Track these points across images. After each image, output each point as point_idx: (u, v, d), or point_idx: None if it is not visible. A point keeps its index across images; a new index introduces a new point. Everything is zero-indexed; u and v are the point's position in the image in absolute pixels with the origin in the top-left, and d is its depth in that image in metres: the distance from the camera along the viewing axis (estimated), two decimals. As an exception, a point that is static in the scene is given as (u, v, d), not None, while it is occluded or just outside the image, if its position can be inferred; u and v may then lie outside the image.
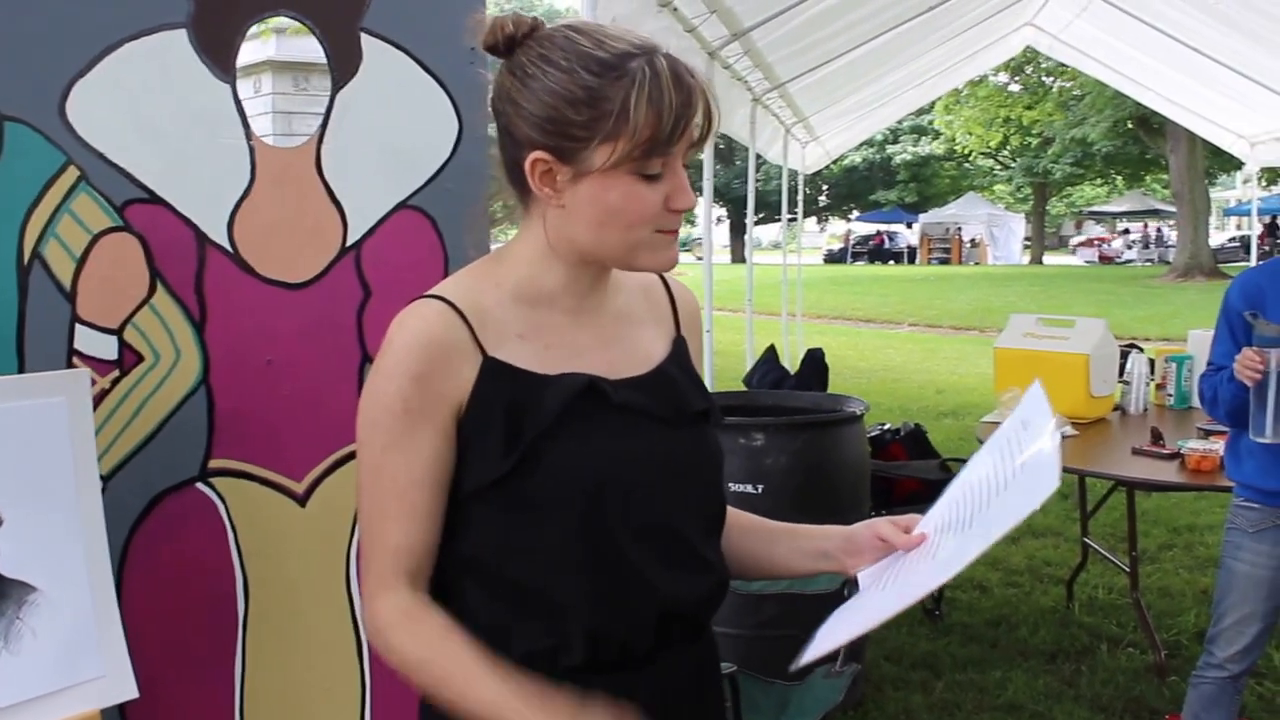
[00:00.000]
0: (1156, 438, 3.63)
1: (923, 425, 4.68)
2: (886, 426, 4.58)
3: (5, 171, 1.54)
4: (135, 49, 1.62)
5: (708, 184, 4.92)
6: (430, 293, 1.19)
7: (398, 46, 1.88)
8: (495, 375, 1.15)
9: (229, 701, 1.80)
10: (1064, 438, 3.85)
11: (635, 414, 1.17)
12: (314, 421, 1.86)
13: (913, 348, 13.47)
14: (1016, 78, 28.44)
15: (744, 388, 5.12)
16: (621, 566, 1.17)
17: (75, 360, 1.61)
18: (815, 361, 5.08)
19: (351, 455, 1.90)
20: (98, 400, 1.63)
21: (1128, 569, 3.94)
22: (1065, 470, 3.89)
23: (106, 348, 1.65)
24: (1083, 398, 3.99)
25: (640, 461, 1.17)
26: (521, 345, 1.18)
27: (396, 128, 1.90)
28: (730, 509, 1.43)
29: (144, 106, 1.64)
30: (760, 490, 3.29)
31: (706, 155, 4.89)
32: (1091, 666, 3.73)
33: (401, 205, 1.93)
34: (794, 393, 4.36)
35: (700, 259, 5.28)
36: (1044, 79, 27.61)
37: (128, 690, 1.39)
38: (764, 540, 1.39)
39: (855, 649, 2.86)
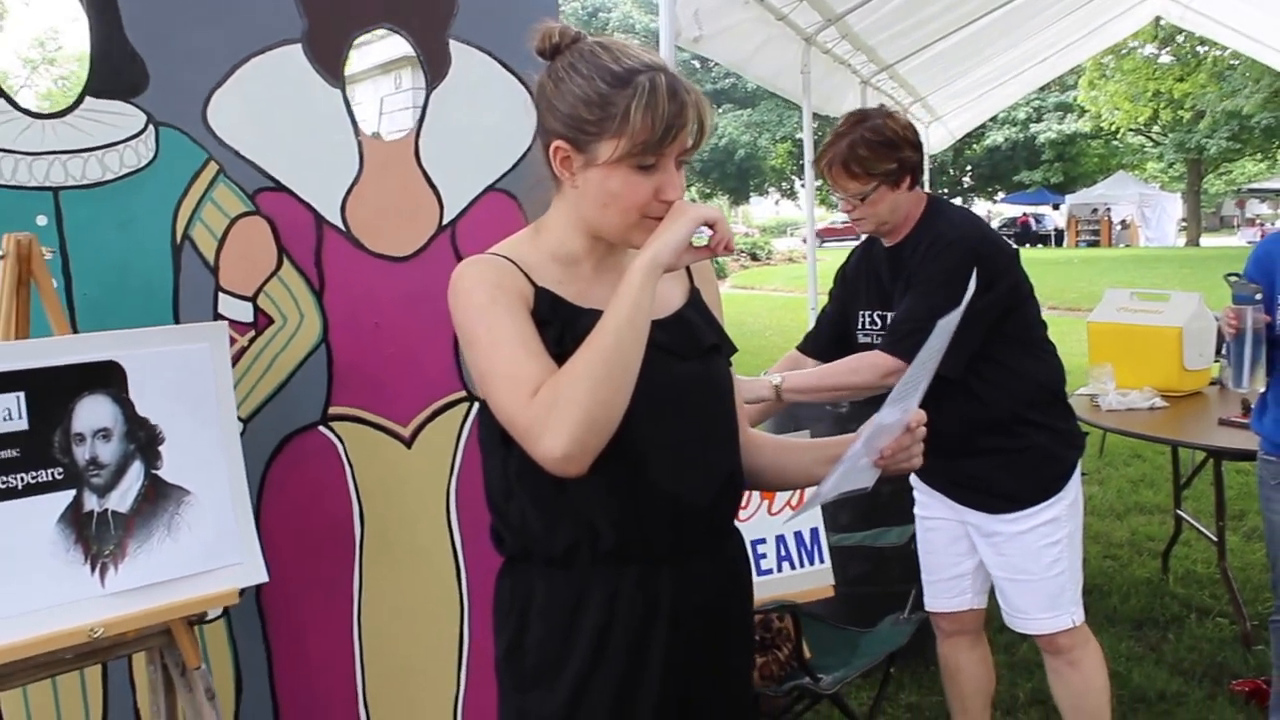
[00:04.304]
0: (1247, 409, 3.65)
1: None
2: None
3: (160, 168, 1.89)
4: (261, 63, 1.95)
5: (809, 165, 5.07)
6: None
7: (482, 50, 2.17)
8: (546, 299, 1.42)
9: (348, 611, 2.12)
10: (1152, 409, 3.90)
11: (655, 349, 1.40)
12: (416, 375, 2.16)
13: (1049, 329, 13.16)
14: (1166, 48, 27.20)
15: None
16: (640, 472, 1.42)
17: (219, 323, 1.95)
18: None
19: (449, 405, 2.20)
20: (237, 356, 1.97)
21: (1215, 539, 3.96)
22: (1156, 440, 3.96)
23: (244, 312, 1.99)
24: (1175, 371, 4.01)
25: (658, 387, 1.41)
26: (560, 288, 1.45)
27: (483, 120, 2.19)
28: (766, 434, 1.66)
29: (269, 110, 1.97)
30: (845, 454, 3.46)
31: (806, 140, 5.04)
32: (1178, 634, 3.77)
33: (490, 188, 2.22)
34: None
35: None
36: (1197, 48, 26.34)
37: (259, 575, 1.72)
38: (796, 455, 1.62)
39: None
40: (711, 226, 1.38)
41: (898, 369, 2.22)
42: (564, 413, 1.27)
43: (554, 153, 1.40)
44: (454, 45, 2.13)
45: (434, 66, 2.13)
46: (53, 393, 1.55)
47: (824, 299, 2.87)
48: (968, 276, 2.29)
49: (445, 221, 2.17)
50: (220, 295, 1.96)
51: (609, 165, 1.36)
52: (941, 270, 2.30)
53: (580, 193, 1.41)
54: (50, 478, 1.55)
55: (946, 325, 1.41)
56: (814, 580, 2.71)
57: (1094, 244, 34.64)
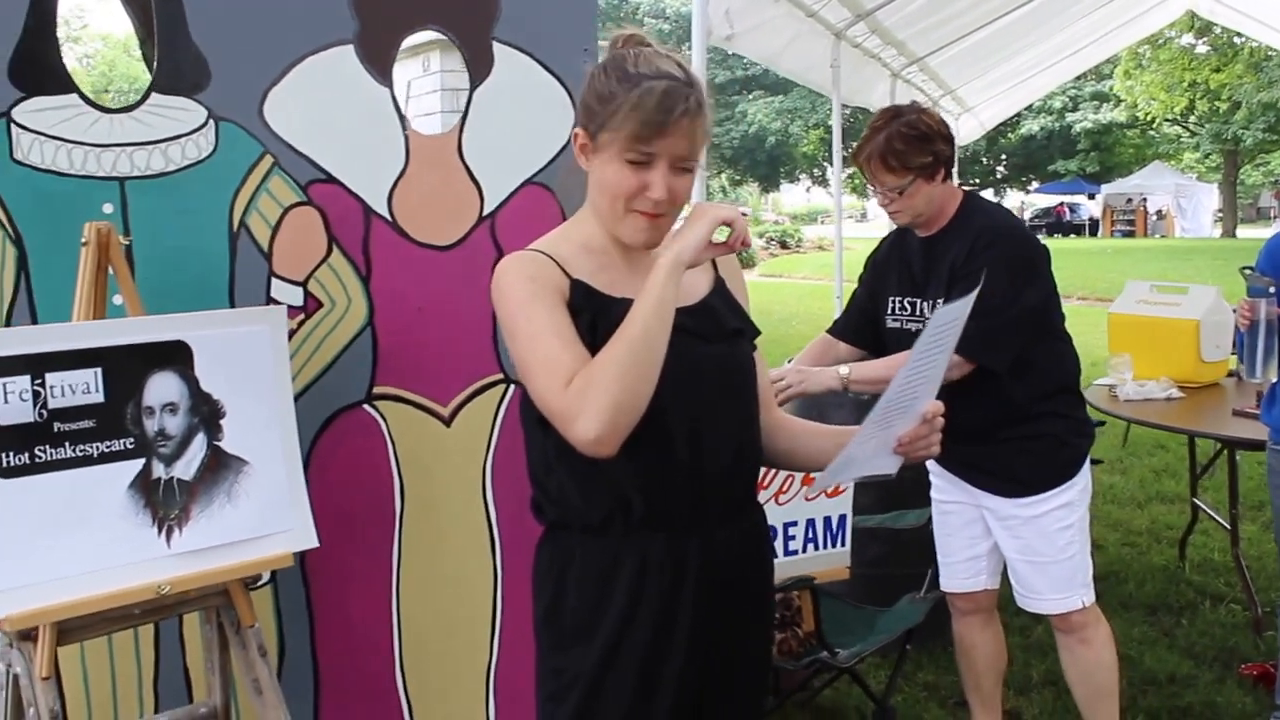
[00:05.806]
0: (1260, 400, 3.71)
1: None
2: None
3: (219, 160, 2.02)
4: (315, 62, 2.07)
5: (837, 156, 5.16)
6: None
7: (523, 51, 2.27)
8: (580, 291, 1.54)
9: (388, 580, 2.24)
10: (1169, 400, 3.97)
11: (683, 333, 1.51)
12: (456, 357, 2.27)
13: (1076, 320, 12.90)
14: (1203, 38, 26.87)
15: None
16: (668, 446, 1.53)
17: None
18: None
19: (486, 387, 2.32)
20: (287, 337, 2.09)
21: (1229, 527, 4.03)
22: (1172, 430, 4.03)
23: (295, 296, 2.11)
24: (1192, 362, 4.07)
25: (685, 368, 1.52)
26: (593, 278, 1.56)
27: (523, 117, 2.29)
28: (792, 417, 1.77)
29: (322, 107, 2.09)
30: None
31: (835, 132, 5.12)
32: (1191, 619, 3.85)
33: (528, 182, 2.32)
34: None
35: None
36: (1234, 39, 25.99)
37: (310, 540, 1.85)
38: (813, 439, 1.73)
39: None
40: (730, 225, 1.49)
41: (958, 361, 2.32)
42: (596, 399, 1.39)
43: (574, 139, 1.55)
44: (497, 46, 2.24)
45: (477, 66, 2.24)
46: (127, 369, 1.69)
47: (849, 287, 2.96)
48: (1020, 269, 2.37)
49: (485, 213, 2.28)
50: (273, 280, 2.08)
51: (606, 154, 1.50)
52: (993, 263, 2.38)
53: (591, 178, 1.55)
54: (123, 447, 1.68)
55: (949, 313, 1.50)
56: (832, 561, 2.82)
57: (1129, 234, 34.30)
